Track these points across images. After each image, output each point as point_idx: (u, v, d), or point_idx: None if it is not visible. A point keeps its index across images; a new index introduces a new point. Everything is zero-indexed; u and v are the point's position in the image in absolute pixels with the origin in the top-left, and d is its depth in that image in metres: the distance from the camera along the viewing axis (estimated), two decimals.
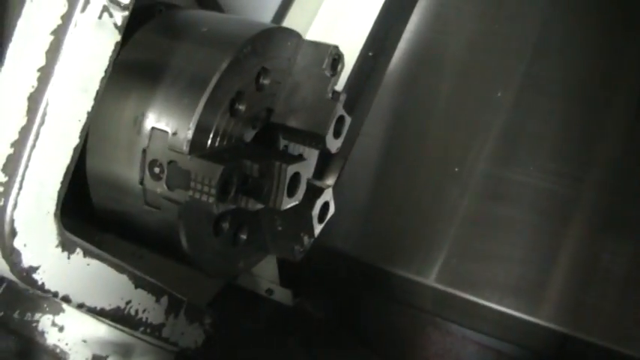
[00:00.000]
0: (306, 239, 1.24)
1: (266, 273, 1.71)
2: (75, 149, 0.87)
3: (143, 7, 1.17)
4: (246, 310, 1.73)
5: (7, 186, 0.81)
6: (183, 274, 1.31)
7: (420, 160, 1.71)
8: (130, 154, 1.05)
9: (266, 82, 1.13)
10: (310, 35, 1.66)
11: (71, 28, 0.82)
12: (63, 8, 0.82)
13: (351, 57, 1.68)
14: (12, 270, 0.84)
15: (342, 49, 1.20)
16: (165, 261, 1.21)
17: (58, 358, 1.03)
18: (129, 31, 1.03)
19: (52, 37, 0.82)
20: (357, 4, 1.75)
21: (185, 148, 1.01)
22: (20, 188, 0.81)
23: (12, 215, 0.82)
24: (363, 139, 1.74)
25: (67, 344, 1.02)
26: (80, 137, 0.87)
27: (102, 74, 0.87)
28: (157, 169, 1.04)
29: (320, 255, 1.64)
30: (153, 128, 1.03)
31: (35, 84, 0.81)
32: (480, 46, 1.80)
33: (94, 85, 0.87)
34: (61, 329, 1.01)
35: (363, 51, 1.72)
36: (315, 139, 1.16)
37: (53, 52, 0.82)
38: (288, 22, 1.68)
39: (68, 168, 0.87)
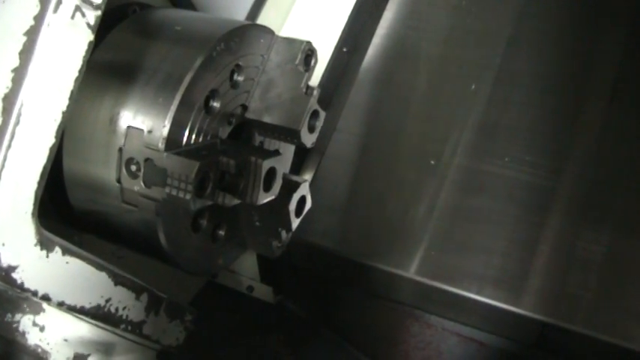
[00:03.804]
0: (284, 234, 1.25)
1: (246, 270, 1.71)
2: (51, 149, 0.87)
3: (117, 8, 1.18)
4: (228, 307, 1.74)
5: None
6: (163, 273, 1.32)
7: (396, 154, 1.72)
8: (107, 154, 1.06)
9: (240, 79, 1.14)
10: (284, 32, 1.67)
11: (44, 28, 0.83)
12: (35, 9, 0.82)
13: (325, 53, 1.69)
14: None
15: (316, 45, 1.20)
16: (146, 260, 1.22)
17: (40, 357, 1.03)
18: (103, 31, 1.05)
19: (25, 38, 0.82)
20: (330, 0, 1.76)
21: (161, 145, 1.01)
22: None
23: None
24: (339, 134, 1.75)
25: (48, 344, 1.02)
26: (56, 137, 0.88)
27: (76, 74, 0.88)
28: (133, 167, 1.05)
29: (299, 251, 1.65)
30: (129, 127, 1.04)
31: (10, 85, 0.82)
32: (453, 41, 1.81)
33: (69, 85, 0.87)
34: (42, 329, 1.01)
35: (338, 47, 1.73)
36: (290, 134, 1.17)
37: (27, 52, 0.82)
38: (262, 20, 1.68)
39: (45, 168, 0.87)
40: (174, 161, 1.00)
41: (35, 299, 0.95)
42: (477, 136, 1.68)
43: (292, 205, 1.21)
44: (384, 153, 1.73)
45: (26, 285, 0.90)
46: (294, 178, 1.24)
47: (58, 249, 0.93)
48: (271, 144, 1.28)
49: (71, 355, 1.06)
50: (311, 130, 1.18)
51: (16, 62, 0.82)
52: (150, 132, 1.02)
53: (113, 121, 1.05)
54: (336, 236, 1.67)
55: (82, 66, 0.88)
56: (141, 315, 1.11)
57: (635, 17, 1.72)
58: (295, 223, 1.23)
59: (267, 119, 1.16)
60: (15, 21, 0.83)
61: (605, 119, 1.63)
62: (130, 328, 1.09)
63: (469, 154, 1.66)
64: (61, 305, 0.96)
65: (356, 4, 1.75)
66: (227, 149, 1.09)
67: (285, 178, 1.16)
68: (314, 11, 1.74)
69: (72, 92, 0.88)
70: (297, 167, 1.66)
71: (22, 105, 0.82)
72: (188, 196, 0.98)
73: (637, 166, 1.58)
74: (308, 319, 1.77)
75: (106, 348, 1.10)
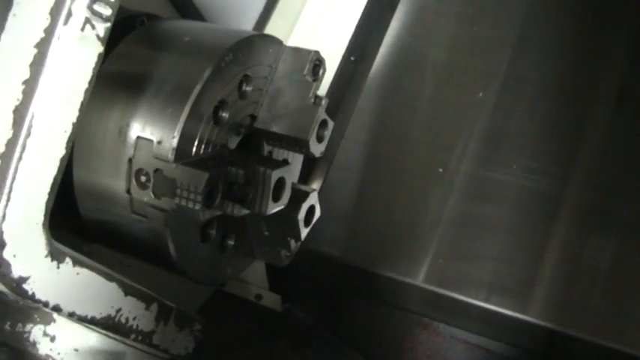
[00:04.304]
0: (292, 243, 1.25)
1: (255, 279, 1.72)
2: (61, 160, 0.88)
3: (125, 19, 1.18)
4: (236, 315, 1.74)
5: None
6: (172, 282, 1.32)
7: (403, 162, 1.72)
8: (116, 164, 1.06)
9: (248, 89, 1.14)
10: (292, 42, 1.67)
11: (54, 41, 0.83)
12: (46, 22, 0.83)
13: (333, 62, 1.69)
14: (2, 281, 0.85)
15: (323, 54, 1.20)
16: (154, 269, 1.22)
17: None
18: (112, 42, 1.05)
19: (35, 51, 0.83)
20: (337, 9, 1.76)
21: (170, 156, 1.02)
22: (8, 200, 0.82)
23: (0, 227, 0.82)
24: (347, 143, 1.75)
25: (58, 354, 1.02)
26: (66, 148, 0.88)
27: (86, 85, 0.88)
28: (143, 178, 1.05)
29: (307, 259, 1.65)
30: (138, 137, 1.04)
31: (20, 97, 0.82)
32: (460, 49, 1.81)
33: (79, 97, 0.88)
34: (52, 339, 1.01)
35: (345, 56, 1.74)
36: (298, 144, 1.17)
37: (37, 65, 0.83)
38: (270, 30, 1.68)
39: (55, 179, 0.88)
40: (183, 172, 1.00)
41: (46, 310, 0.95)
42: (484, 143, 1.68)
43: (301, 215, 1.21)
44: (391, 161, 1.74)
45: (37, 296, 0.90)
46: (303, 187, 1.23)
47: (68, 260, 0.93)
48: (280, 153, 1.29)
49: None
50: (319, 139, 1.18)
51: (26, 74, 0.83)
52: (159, 143, 1.02)
53: (122, 131, 1.05)
54: (343, 244, 1.68)
55: (92, 78, 0.89)
56: (151, 325, 1.11)
57: (639, 23, 1.72)
58: (304, 232, 1.23)
59: (275, 129, 1.16)
60: (25, 34, 0.83)
61: (611, 126, 1.63)
62: (140, 338, 1.09)
63: (476, 162, 1.67)
64: (71, 316, 0.96)
65: (363, 12, 1.76)
66: (236, 159, 1.09)
67: (293, 187, 1.16)
68: (321, 20, 1.75)
69: (82, 104, 0.88)
70: (306, 176, 1.66)
71: (32, 117, 0.83)
72: (197, 207, 0.99)
73: None
74: (315, 326, 1.77)
75: (116, 357, 1.10)
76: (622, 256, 1.52)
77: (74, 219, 1.17)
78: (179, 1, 1.42)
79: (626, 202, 1.57)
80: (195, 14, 1.46)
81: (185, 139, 1.03)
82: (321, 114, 1.16)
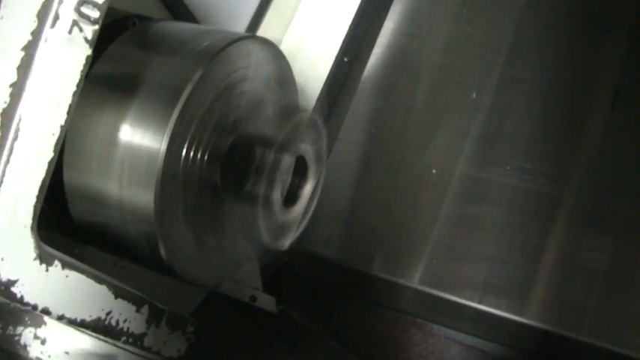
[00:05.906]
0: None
1: (249, 280, 1.71)
2: (50, 163, 0.88)
3: (117, 20, 1.18)
4: (230, 317, 1.74)
5: None
6: (166, 284, 1.32)
7: (398, 163, 1.72)
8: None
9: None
10: (286, 42, 1.67)
11: (41, 43, 0.83)
12: (33, 24, 0.83)
13: (326, 63, 1.68)
14: None
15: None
16: (148, 272, 1.22)
17: None
18: (103, 44, 1.05)
19: (22, 53, 0.83)
20: (331, 10, 1.76)
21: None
22: None
23: None
24: (341, 144, 1.75)
25: (49, 357, 1.02)
26: (55, 151, 0.88)
27: (74, 88, 0.88)
28: None
29: (302, 260, 1.65)
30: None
31: (7, 100, 0.82)
32: (454, 49, 1.81)
33: (67, 99, 0.87)
34: (43, 342, 1.01)
35: (339, 56, 1.73)
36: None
37: (24, 67, 0.83)
38: (263, 31, 1.68)
39: (43, 182, 0.88)
40: None
41: (36, 312, 0.95)
42: (478, 144, 1.68)
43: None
44: (385, 162, 1.73)
45: (26, 299, 0.90)
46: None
47: (57, 263, 0.93)
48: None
49: None
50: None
51: (14, 77, 0.83)
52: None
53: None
54: (338, 246, 1.67)
55: (80, 80, 0.88)
56: (142, 327, 1.11)
57: (635, 23, 1.72)
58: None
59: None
60: (12, 36, 0.83)
61: (607, 126, 1.63)
62: (131, 340, 1.09)
63: (470, 163, 1.66)
64: (61, 319, 0.96)
65: (357, 13, 1.75)
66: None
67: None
68: (315, 21, 1.74)
69: (70, 106, 0.88)
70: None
71: (20, 120, 0.83)
72: None
73: None
74: (310, 328, 1.77)
75: None
76: (619, 257, 1.51)
77: (66, 221, 1.17)
78: (171, 2, 1.41)
79: (622, 202, 1.57)
80: (188, 16, 1.45)
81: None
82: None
